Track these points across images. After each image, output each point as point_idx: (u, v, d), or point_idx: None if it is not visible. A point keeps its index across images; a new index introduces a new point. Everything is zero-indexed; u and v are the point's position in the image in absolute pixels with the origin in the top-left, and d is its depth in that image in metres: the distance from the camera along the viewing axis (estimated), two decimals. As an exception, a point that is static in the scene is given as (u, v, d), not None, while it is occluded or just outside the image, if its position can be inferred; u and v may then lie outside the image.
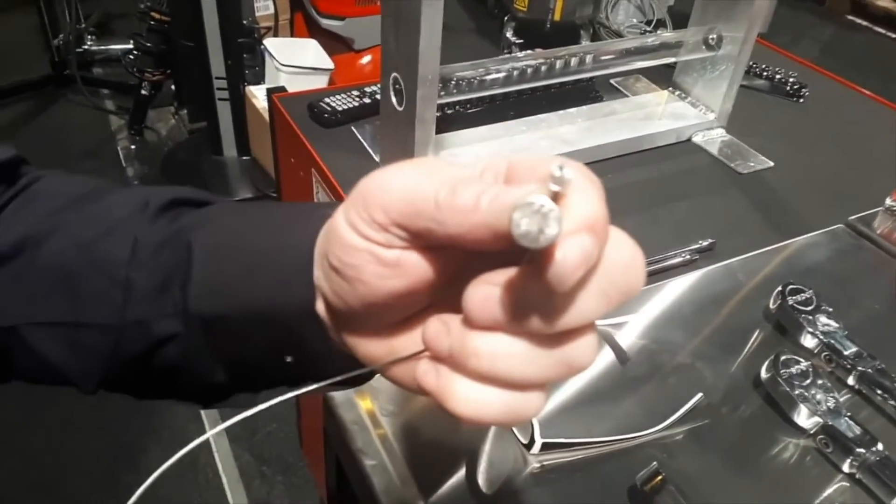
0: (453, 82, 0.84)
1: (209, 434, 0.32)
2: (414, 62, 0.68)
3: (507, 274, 0.23)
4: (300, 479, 1.57)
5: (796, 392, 0.54)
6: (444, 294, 0.27)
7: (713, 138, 0.97)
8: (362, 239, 0.25)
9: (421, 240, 0.25)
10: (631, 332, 0.62)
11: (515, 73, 0.88)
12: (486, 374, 0.23)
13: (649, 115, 0.98)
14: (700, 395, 0.54)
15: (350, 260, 0.26)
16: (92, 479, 1.53)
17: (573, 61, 0.92)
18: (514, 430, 0.51)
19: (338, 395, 0.51)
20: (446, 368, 0.24)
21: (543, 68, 0.91)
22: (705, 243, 0.77)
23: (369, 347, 0.29)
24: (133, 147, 2.54)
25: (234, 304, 0.32)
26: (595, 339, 0.23)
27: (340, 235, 0.26)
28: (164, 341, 0.35)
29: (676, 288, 0.68)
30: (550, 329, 0.22)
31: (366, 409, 0.51)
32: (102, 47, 2.96)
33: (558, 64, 0.91)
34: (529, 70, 0.89)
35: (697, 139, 0.97)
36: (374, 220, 0.25)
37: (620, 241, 0.23)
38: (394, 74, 0.73)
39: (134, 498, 0.30)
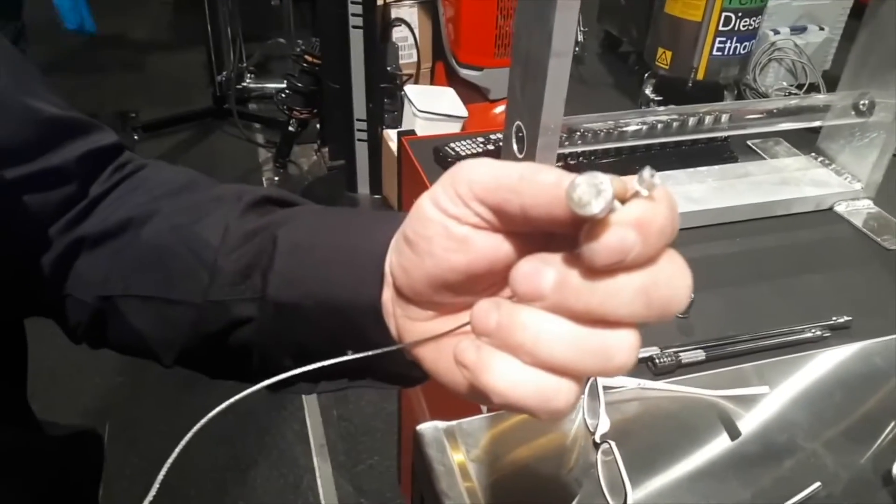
0: (579, 133, 0.83)
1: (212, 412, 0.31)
2: (537, 112, 0.69)
3: (557, 255, 0.24)
4: (395, 515, 1.57)
5: (933, 496, 0.48)
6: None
7: (858, 209, 0.90)
8: (439, 212, 0.28)
9: (494, 216, 0.27)
10: (749, 406, 0.57)
11: (644, 127, 0.86)
12: (528, 349, 0.24)
13: (787, 180, 0.92)
14: (818, 484, 0.49)
15: (424, 231, 0.28)
16: (202, 488, 1.61)
17: (707, 119, 0.89)
18: (605, 491, 0.48)
19: (427, 434, 0.51)
20: (487, 346, 0.25)
21: (675, 124, 0.88)
22: (841, 320, 0.71)
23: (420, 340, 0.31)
24: (276, 178, 2.70)
25: (306, 294, 0.35)
26: (634, 340, 0.24)
27: (420, 209, 0.29)
28: (241, 323, 0.37)
29: (805, 365, 0.63)
30: (589, 308, 0.23)
31: (454, 452, 0.50)
32: (259, 84, 3.19)
33: (691, 121, 0.88)
34: (660, 125, 0.87)
35: (840, 209, 0.90)
36: (458, 194, 0.27)
37: (674, 257, 0.24)
38: (517, 122, 0.74)
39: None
